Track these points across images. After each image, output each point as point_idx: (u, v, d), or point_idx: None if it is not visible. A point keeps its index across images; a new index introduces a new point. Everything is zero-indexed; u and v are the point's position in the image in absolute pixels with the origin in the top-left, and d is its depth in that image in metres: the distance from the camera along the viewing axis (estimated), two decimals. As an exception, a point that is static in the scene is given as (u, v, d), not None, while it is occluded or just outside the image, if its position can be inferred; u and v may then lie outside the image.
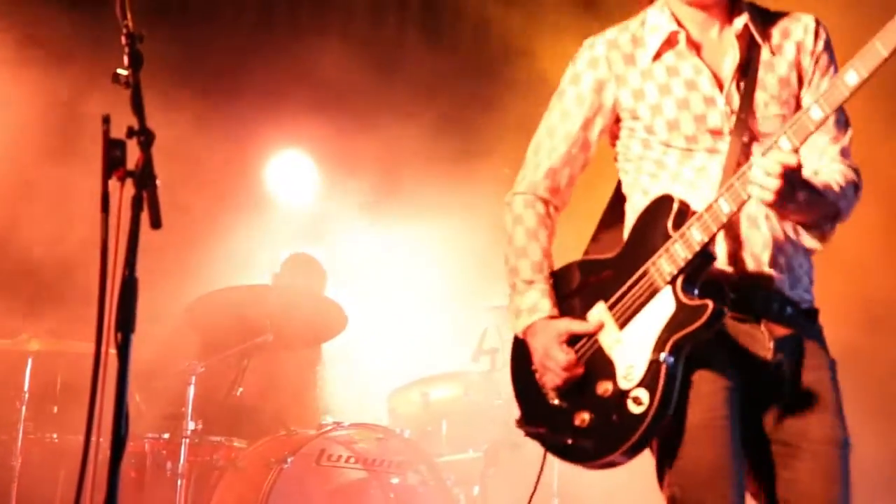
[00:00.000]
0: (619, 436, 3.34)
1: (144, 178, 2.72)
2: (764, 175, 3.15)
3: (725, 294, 3.37)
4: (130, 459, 6.49)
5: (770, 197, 3.16)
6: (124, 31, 2.95)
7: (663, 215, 3.39)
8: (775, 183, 3.14)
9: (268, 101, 8.79)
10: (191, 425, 6.47)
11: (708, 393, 3.33)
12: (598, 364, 3.44)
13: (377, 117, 8.79)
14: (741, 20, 3.54)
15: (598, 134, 3.67)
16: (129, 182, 2.74)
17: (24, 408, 6.63)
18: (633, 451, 3.36)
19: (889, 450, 6.41)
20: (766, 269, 3.43)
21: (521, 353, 3.67)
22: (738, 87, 3.49)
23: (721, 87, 3.50)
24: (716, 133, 3.46)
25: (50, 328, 7.05)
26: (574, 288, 3.58)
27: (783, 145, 3.17)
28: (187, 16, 9.01)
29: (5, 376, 6.89)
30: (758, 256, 3.42)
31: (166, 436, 6.59)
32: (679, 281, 3.33)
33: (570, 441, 3.48)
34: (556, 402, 3.54)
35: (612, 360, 3.41)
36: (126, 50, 2.92)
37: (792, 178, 3.16)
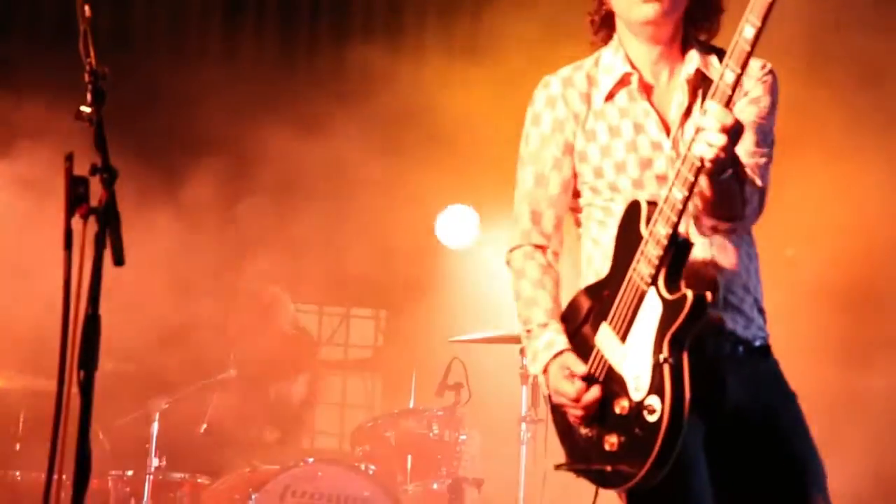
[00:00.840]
0: (645, 450, 3.28)
1: (108, 216, 2.72)
2: (710, 135, 3.13)
3: (714, 284, 3.41)
4: (94, 497, 6.45)
5: (716, 152, 3.13)
6: (87, 68, 2.95)
7: (636, 219, 3.38)
8: (720, 137, 3.12)
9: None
10: (154, 462, 6.45)
11: None
12: (613, 384, 3.40)
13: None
14: (692, 64, 3.54)
15: (571, 171, 3.65)
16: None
17: (-15, 445, 6.59)
18: (662, 463, 3.27)
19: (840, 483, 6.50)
20: (716, 312, 3.45)
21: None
22: (685, 132, 3.49)
23: (668, 131, 3.52)
24: (661, 178, 3.48)
25: (13, 364, 7.02)
26: (581, 319, 3.55)
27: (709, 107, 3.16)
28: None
29: (-32, 413, 6.86)
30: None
31: (130, 473, 6.56)
32: (661, 279, 3.31)
33: (608, 468, 3.42)
34: (586, 432, 3.49)
35: (623, 375, 3.37)
36: (89, 87, 2.93)
37: (733, 135, 3.15)
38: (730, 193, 3.34)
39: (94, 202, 2.76)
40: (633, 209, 3.41)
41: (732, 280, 3.51)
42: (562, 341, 3.52)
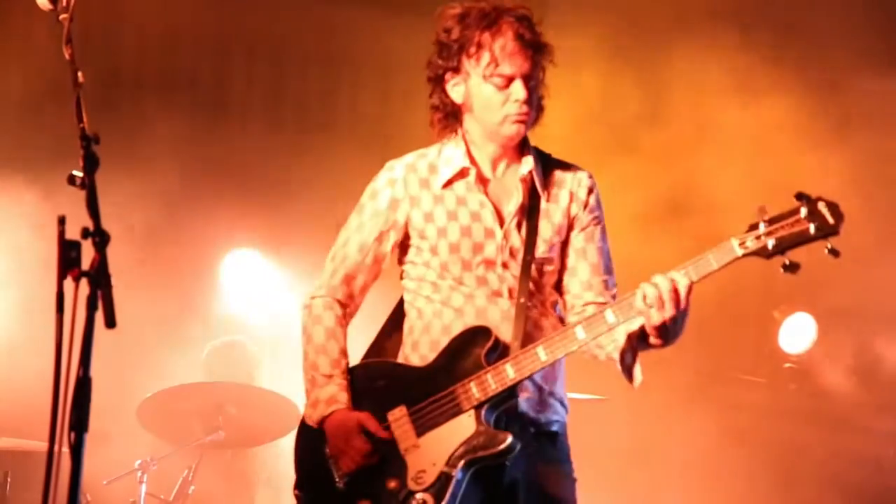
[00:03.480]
0: None
1: (99, 279, 2.75)
2: (665, 298, 3.51)
3: (524, 428, 3.78)
4: (81, 559, 6.42)
5: (663, 318, 3.54)
6: (80, 132, 2.98)
7: (479, 344, 3.75)
8: (671, 309, 3.52)
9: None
10: (142, 523, 6.42)
11: None
12: (390, 461, 3.77)
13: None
14: (527, 166, 3.93)
15: (390, 247, 4.00)
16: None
17: (-28, 507, 6.56)
18: None
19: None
20: (524, 405, 3.82)
21: (309, 438, 3.93)
22: (518, 225, 3.89)
23: (502, 223, 3.89)
24: (489, 263, 3.86)
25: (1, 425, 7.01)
26: (378, 385, 3.88)
27: (577, 334, 3.64)
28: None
29: (-46, 473, 6.83)
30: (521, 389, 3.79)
31: (117, 534, 6.54)
32: (484, 408, 3.69)
33: None
34: (341, 485, 3.82)
35: (406, 461, 3.75)
36: (82, 151, 2.96)
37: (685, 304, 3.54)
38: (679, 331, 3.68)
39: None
40: (477, 332, 3.78)
41: (545, 377, 3.87)
42: (344, 399, 3.86)
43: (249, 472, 7.73)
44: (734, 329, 8.48)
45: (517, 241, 3.88)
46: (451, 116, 3.97)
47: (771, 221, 3.46)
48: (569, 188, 3.98)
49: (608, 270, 3.98)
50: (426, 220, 3.90)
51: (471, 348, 3.75)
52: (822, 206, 3.41)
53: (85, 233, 2.80)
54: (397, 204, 3.94)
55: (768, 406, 8.51)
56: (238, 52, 9.33)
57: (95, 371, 2.74)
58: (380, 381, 3.89)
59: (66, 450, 2.70)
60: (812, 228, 3.41)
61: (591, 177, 4.02)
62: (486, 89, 3.84)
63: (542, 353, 3.66)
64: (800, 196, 3.44)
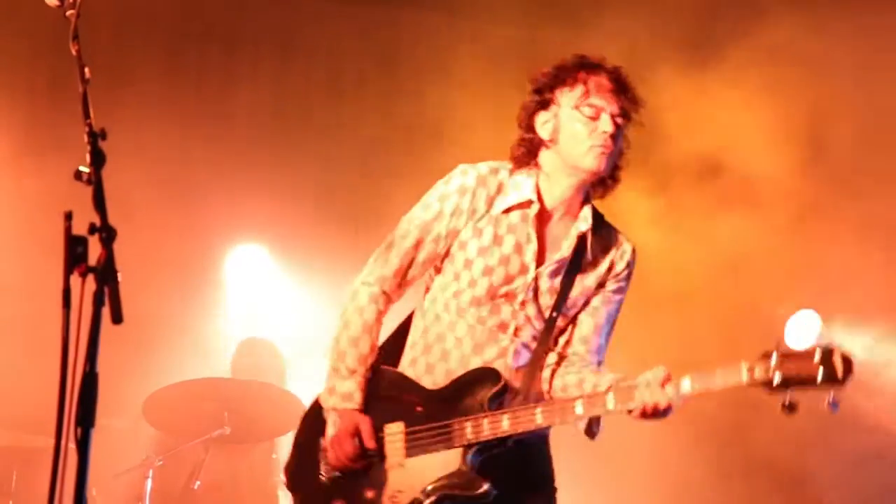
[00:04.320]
0: None
1: (106, 274, 2.75)
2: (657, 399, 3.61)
3: (500, 477, 3.80)
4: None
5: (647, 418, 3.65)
6: (87, 128, 2.98)
7: (487, 386, 3.83)
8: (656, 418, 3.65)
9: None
10: (147, 519, 6.43)
11: None
12: (375, 472, 3.88)
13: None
14: (585, 224, 3.99)
15: (443, 249, 4.02)
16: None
17: (-22, 503, 6.58)
18: None
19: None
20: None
21: (316, 420, 4.04)
22: (552, 274, 3.96)
23: (540, 263, 3.96)
24: (511, 296, 3.94)
25: (5, 421, 7.02)
26: (386, 394, 3.96)
27: (577, 410, 3.71)
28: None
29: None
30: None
31: (123, 530, 6.55)
32: (472, 449, 3.78)
33: None
34: (324, 479, 3.94)
35: (388, 476, 3.86)
36: (88, 147, 2.96)
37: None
38: None
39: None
40: (487, 374, 3.87)
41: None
42: (358, 399, 3.93)
43: (255, 467, 7.73)
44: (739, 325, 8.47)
45: (545, 285, 3.96)
46: (531, 152, 4.03)
47: (784, 356, 3.48)
48: (611, 257, 4.06)
49: (607, 337, 4.06)
50: (474, 235, 3.97)
51: (478, 388, 3.84)
52: (836, 357, 3.43)
53: (92, 228, 2.81)
54: (461, 213, 3.98)
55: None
56: (246, 45, 9.34)
57: (101, 366, 2.74)
58: (390, 391, 3.97)
59: (72, 445, 2.70)
60: (820, 375, 3.42)
61: (634, 251, 4.10)
62: (575, 120, 3.92)
63: (538, 417, 3.73)
64: (820, 345, 3.46)
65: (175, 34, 9.15)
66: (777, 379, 3.45)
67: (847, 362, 3.42)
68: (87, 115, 3.00)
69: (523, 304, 3.94)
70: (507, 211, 3.97)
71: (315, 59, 9.37)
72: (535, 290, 3.95)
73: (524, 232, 3.95)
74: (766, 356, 3.49)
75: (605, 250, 4.05)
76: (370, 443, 3.87)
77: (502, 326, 3.94)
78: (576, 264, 3.98)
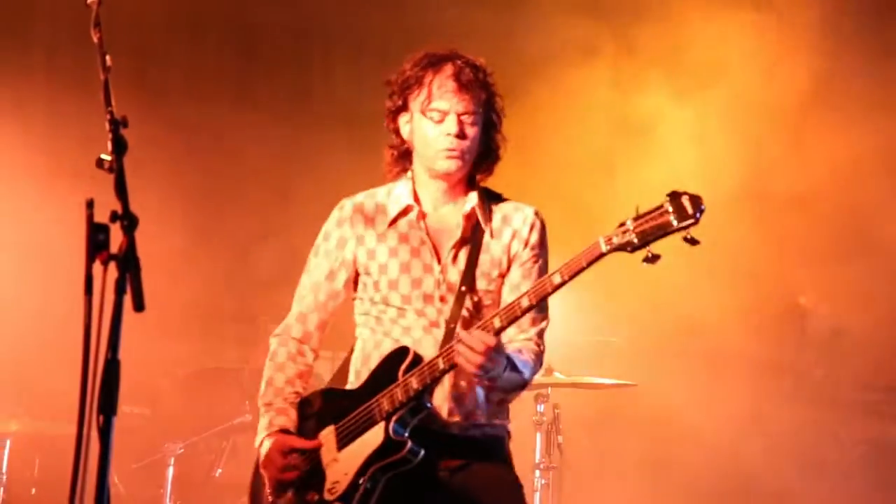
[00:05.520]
0: None
1: (128, 262, 2.75)
2: (468, 350, 3.68)
3: (437, 441, 3.90)
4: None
5: (473, 368, 3.70)
6: (108, 116, 2.98)
7: (399, 362, 3.90)
8: (478, 357, 3.67)
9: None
10: (169, 506, 6.44)
11: None
12: (314, 477, 3.98)
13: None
14: (470, 203, 4.10)
15: (342, 284, 4.20)
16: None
17: (1, 489, 6.60)
18: None
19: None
20: (444, 416, 3.97)
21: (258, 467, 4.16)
22: (454, 260, 4.05)
23: (440, 259, 4.06)
24: (428, 298, 4.03)
25: (30, 409, 7.04)
26: (314, 411, 4.10)
27: (495, 324, 3.73)
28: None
29: (-17, 457, 6.86)
30: (438, 407, 3.96)
31: (145, 517, 6.56)
32: (393, 419, 3.85)
33: None
34: (271, 500, 4.04)
35: (326, 475, 3.96)
36: (110, 136, 2.96)
37: (492, 355, 3.70)
38: (502, 385, 3.89)
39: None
40: (401, 352, 3.93)
41: (464, 395, 4.01)
42: (279, 422, 4.09)
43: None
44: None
45: (455, 275, 4.04)
46: (403, 157, 4.18)
47: (637, 218, 3.57)
48: (513, 226, 4.12)
49: (540, 309, 4.02)
50: (369, 258, 4.10)
51: (392, 366, 3.91)
52: (684, 200, 3.51)
53: (113, 216, 2.80)
54: (344, 242, 4.15)
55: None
56: (264, 42, 9.36)
57: (122, 354, 2.74)
58: (322, 406, 4.09)
59: (94, 433, 2.71)
60: (673, 220, 3.51)
61: (536, 214, 4.17)
62: (423, 124, 4.04)
63: (441, 363, 3.79)
64: (669, 193, 3.53)
65: (194, 26, 9.17)
66: (636, 239, 3.55)
67: (695, 199, 3.50)
68: (108, 102, 3.00)
69: (443, 299, 4.02)
70: (393, 223, 4.11)
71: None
72: (448, 284, 4.03)
73: (416, 236, 4.09)
74: (621, 224, 3.59)
75: (507, 221, 4.13)
76: (305, 444, 4.00)
77: (433, 325, 4.01)
78: (477, 242, 4.07)
